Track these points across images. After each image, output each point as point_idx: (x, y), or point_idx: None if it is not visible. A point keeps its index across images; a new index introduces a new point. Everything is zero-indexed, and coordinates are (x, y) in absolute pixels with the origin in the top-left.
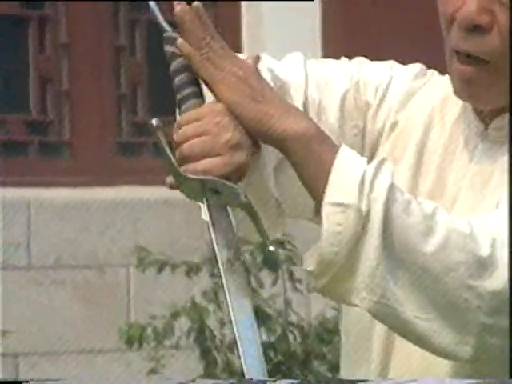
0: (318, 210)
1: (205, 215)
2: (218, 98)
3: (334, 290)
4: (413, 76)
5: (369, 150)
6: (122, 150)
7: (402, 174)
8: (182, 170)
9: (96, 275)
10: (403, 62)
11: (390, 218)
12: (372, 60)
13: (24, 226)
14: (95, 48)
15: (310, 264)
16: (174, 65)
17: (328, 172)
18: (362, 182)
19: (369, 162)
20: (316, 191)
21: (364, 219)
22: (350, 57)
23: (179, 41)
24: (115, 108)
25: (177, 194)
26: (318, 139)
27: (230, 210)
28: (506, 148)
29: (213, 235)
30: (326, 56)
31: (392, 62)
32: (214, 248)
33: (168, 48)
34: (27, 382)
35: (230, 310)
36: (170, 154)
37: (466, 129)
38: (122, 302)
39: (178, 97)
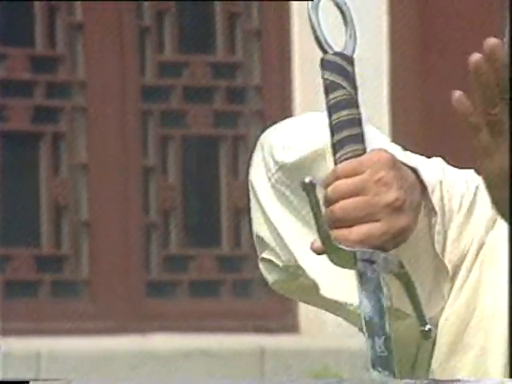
0: None
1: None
2: (481, 173)
3: None
4: None
5: (449, 266)
6: (151, 290)
7: (497, 301)
8: (332, 235)
9: None
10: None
11: None
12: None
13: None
14: (119, 168)
15: None
16: (333, 98)
17: None
18: None
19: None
20: None
21: None
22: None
23: (458, 95)
24: (143, 238)
25: (219, 344)
26: None
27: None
28: None
29: (361, 314)
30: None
31: (472, 171)
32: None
33: (327, 75)
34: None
35: None
36: (322, 219)
37: None
38: None
39: (335, 139)
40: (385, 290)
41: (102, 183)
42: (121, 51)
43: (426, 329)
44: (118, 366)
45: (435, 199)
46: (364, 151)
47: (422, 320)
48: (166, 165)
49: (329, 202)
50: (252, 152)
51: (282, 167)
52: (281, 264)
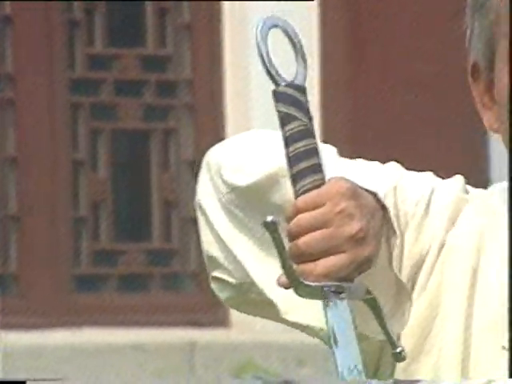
0: None
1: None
2: None
3: None
4: (460, 188)
5: (408, 269)
6: (81, 284)
7: (456, 303)
8: (297, 269)
9: None
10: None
11: None
12: None
13: None
14: (49, 162)
15: None
16: (289, 130)
17: None
18: None
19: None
20: None
21: None
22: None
23: None
24: (72, 232)
25: (150, 338)
26: None
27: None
28: None
29: (332, 344)
30: None
31: (431, 174)
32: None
33: (281, 107)
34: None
35: None
36: (286, 255)
37: None
38: None
39: (293, 171)
40: (352, 317)
41: (30, 177)
42: (50, 44)
43: (398, 351)
44: (47, 360)
45: (389, 204)
46: (323, 181)
47: (392, 343)
48: (95, 158)
49: (292, 236)
50: (182, 146)
51: (234, 190)
52: (235, 282)
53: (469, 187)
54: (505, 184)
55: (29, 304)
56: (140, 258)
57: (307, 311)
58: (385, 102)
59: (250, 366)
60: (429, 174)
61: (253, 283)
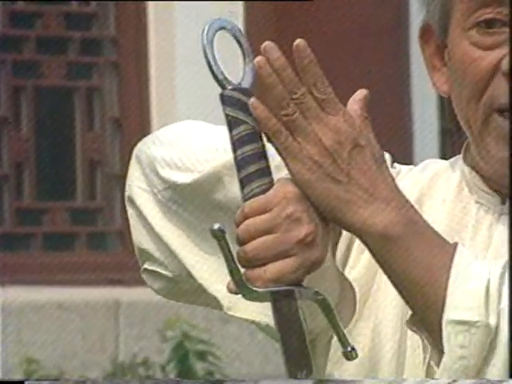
0: (416, 323)
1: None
2: (293, 177)
3: None
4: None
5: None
6: (4, 243)
7: None
8: (245, 275)
9: None
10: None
11: None
12: None
13: None
14: None
15: None
16: (237, 133)
17: (442, 280)
18: (488, 292)
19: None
20: (419, 302)
21: (493, 336)
22: None
23: (252, 100)
24: None
25: (75, 297)
26: (414, 236)
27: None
28: None
29: (281, 345)
30: None
31: None
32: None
33: (228, 111)
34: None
35: None
36: (234, 262)
37: (470, 208)
38: None
39: (241, 175)
40: (302, 319)
41: None
42: None
43: (349, 349)
44: None
45: None
46: (271, 183)
47: (343, 342)
48: (18, 116)
49: (240, 242)
50: (107, 104)
51: (172, 187)
52: (171, 274)
53: (397, 165)
54: (440, 162)
55: None
56: (64, 217)
57: (250, 306)
58: None
59: (175, 324)
60: None
61: (191, 277)
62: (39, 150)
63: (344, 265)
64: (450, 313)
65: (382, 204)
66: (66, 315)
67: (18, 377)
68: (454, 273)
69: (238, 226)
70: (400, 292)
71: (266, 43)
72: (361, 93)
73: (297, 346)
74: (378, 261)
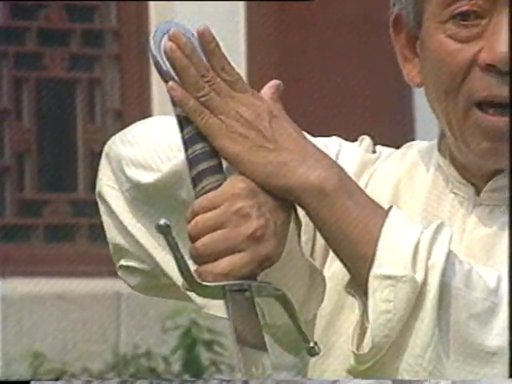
0: (359, 283)
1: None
2: (223, 155)
3: (376, 372)
4: (364, 147)
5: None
6: (6, 234)
7: None
8: (197, 271)
9: None
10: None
11: (448, 291)
12: None
13: None
14: None
15: (356, 347)
16: (187, 132)
17: (373, 237)
18: (417, 249)
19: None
20: (352, 260)
21: (419, 291)
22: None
23: (170, 84)
24: None
25: (75, 288)
26: (347, 193)
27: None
28: (503, 209)
29: (235, 342)
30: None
31: (336, 137)
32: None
33: (178, 111)
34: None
35: None
36: (183, 259)
37: (445, 198)
38: None
39: (193, 173)
40: (256, 314)
41: None
42: None
43: (311, 345)
44: None
45: None
46: (222, 181)
47: (304, 337)
48: (20, 108)
49: (191, 238)
50: (108, 96)
51: (137, 186)
52: (147, 268)
53: (379, 147)
54: (420, 145)
55: None
56: (65, 209)
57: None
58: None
59: (175, 314)
60: (334, 139)
61: (164, 274)
62: (41, 142)
63: (324, 260)
64: (377, 268)
65: (315, 162)
66: (67, 306)
67: (19, 370)
68: (384, 230)
69: (188, 223)
70: (335, 251)
71: (173, 31)
72: (273, 82)
73: (253, 343)
74: (314, 219)
